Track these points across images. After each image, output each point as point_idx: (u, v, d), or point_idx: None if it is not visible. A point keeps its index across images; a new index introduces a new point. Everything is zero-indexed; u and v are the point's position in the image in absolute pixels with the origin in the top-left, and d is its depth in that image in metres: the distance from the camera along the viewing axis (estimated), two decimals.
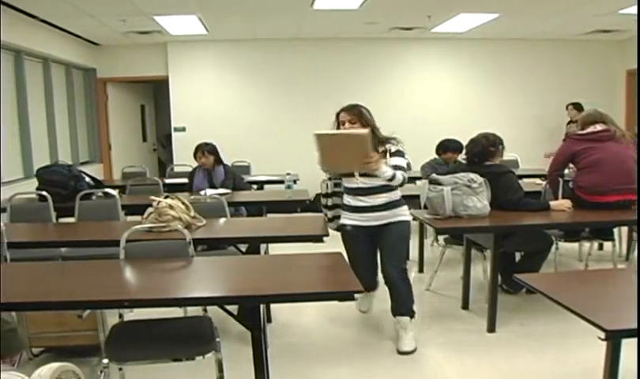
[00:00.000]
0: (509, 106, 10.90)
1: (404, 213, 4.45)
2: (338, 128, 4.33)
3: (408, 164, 5.03)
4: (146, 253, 3.76)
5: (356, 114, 4.29)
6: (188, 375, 3.84)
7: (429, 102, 10.83)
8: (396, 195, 4.40)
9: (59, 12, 7.57)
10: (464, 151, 5.45)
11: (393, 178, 4.14)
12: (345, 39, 10.46)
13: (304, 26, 9.34)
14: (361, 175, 4.25)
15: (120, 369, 3.50)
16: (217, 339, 3.23)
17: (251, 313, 3.20)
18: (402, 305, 4.40)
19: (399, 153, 4.34)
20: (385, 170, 4.11)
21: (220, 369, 3.24)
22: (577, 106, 9.62)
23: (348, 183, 4.43)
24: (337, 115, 4.37)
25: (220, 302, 3.24)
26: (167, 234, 4.16)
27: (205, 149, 6.77)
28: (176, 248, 3.79)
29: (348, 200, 4.45)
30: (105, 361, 3.05)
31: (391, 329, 4.63)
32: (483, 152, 5.03)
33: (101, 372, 3.07)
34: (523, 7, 7.95)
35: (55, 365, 1.71)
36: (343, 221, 4.49)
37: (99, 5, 7.32)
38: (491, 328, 4.65)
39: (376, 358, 4.27)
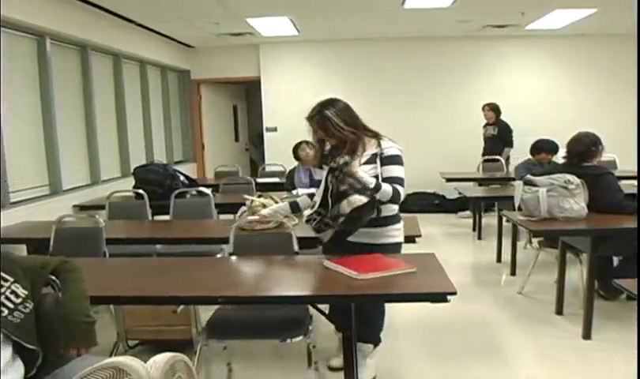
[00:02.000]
0: (606, 105, 10.52)
1: (390, 234, 3.65)
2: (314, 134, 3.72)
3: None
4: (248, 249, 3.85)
5: (320, 124, 3.61)
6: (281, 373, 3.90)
7: (522, 101, 10.50)
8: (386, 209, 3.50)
9: (155, 16, 7.82)
10: (563, 150, 5.28)
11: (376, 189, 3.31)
12: (436, 37, 10.35)
13: (394, 25, 9.29)
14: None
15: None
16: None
17: (343, 312, 3.20)
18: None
19: (395, 160, 3.49)
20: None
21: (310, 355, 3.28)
22: (493, 107, 9.23)
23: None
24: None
25: (311, 300, 3.26)
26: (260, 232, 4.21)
27: (310, 142, 6.81)
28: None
29: None
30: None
31: (479, 334, 4.55)
32: (586, 151, 4.89)
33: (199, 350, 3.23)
34: (621, 0, 7.64)
35: (169, 354, 1.78)
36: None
37: (193, 9, 7.51)
38: (587, 335, 4.50)
39: (465, 362, 4.21)
